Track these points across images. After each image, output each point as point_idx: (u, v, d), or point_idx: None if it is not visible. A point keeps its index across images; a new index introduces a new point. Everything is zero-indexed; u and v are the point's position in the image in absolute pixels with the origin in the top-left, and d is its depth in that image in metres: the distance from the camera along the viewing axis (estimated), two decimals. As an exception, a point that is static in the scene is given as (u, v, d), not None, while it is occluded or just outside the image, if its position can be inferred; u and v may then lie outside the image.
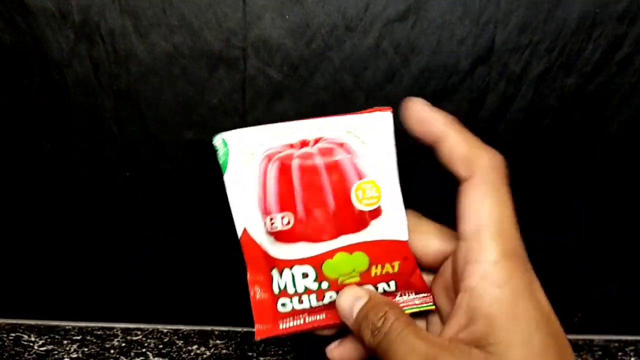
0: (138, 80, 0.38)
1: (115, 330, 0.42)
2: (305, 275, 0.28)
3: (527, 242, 0.41)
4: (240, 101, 0.38)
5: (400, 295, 0.30)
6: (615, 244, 0.41)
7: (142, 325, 0.43)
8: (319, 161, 0.28)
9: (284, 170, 0.28)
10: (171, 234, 0.41)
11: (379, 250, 0.28)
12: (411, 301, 0.30)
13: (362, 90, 0.37)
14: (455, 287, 0.26)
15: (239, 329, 0.43)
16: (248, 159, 0.29)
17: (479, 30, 0.36)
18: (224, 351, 0.40)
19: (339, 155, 0.28)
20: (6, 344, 0.40)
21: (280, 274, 0.29)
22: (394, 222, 0.28)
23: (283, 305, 0.29)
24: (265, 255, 0.29)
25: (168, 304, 0.43)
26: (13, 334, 0.41)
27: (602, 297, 0.42)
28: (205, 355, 0.40)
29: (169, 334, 0.42)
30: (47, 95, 0.38)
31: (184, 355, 0.40)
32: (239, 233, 0.30)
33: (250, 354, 0.40)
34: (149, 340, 0.41)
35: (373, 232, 0.28)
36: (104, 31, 0.37)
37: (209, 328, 0.43)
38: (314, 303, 0.29)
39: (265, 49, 0.37)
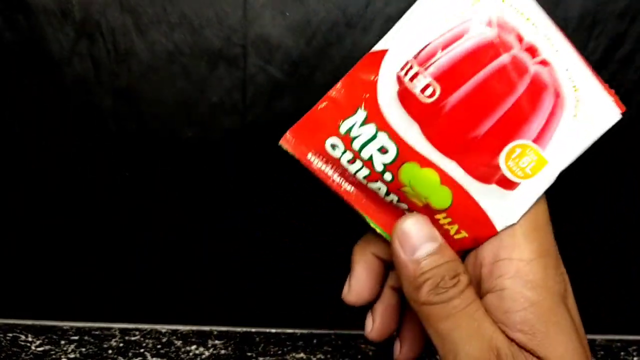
0: (138, 79, 0.38)
1: (113, 330, 0.42)
2: (382, 150, 0.22)
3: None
4: (241, 99, 0.38)
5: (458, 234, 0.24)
6: (617, 243, 0.41)
7: (140, 326, 0.43)
8: (527, 79, 0.21)
9: (485, 52, 0.21)
10: (170, 234, 0.41)
11: (468, 212, 0.23)
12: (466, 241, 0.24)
13: (363, 88, 0.37)
14: (479, 288, 0.23)
15: (238, 329, 0.43)
16: (457, 10, 0.21)
17: (479, 28, 0.36)
18: (223, 351, 0.40)
19: (542, 102, 0.21)
20: (3, 344, 0.40)
21: (363, 124, 0.22)
22: (511, 209, 0.22)
23: (332, 146, 0.23)
24: (372, 95, 0.23)
25: (166, 304, 0.43)
26: (10, 334, 0.41)
27: (604, 297, 0.42)
28: (204, 356, 0.39)
29: (167, 334, 0.42)
30: (47, 93, 0.38)
31: (182, 356, 0.39)
32: (377, 48, 0.23)
33: (249, 354, 0.40)
34: (147, 341, 0.41)
35: (486, 193, 0.22)
36: (105, 29, 0.37)
37: (207, 328, 0.43)
38: (360, 176, 0.23)
39: (266, 46, 0.37)
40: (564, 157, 0.23)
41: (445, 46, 0.21)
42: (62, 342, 0.40)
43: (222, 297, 0.42)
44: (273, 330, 0.43)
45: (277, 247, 0.41)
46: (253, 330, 0.43)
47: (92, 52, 0.37)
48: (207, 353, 0.40)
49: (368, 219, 0.24)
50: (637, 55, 0.36)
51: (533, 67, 0.21)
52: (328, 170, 0.24)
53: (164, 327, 0.43)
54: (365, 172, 0.23)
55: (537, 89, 0.21)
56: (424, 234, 0.22)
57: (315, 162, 0.24)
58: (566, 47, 0.23)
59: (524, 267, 0.22)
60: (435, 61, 0.21)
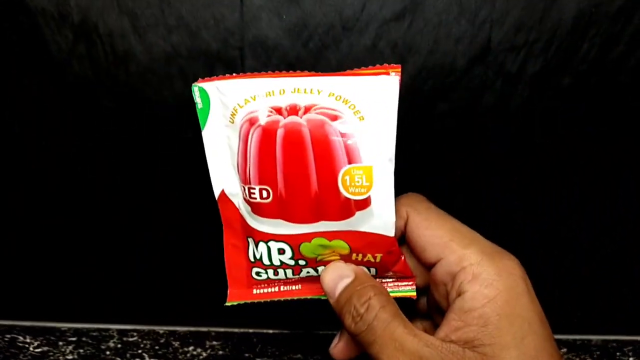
0: (136, 80, 0.38)
1: (111, 331, 0.42)
2: (281, 251, 0.26)
3: (524, 242, 0.41)
4: (238, 101, 0.38)
5: (382, 279, 0.28)
6: (614, 244, 0.41)
7: (138, 327, 0.43)
8: (307, 135, 0.24)
9: (267, 139, 0.24)
10: (168, 235, 0.41)
11: (362, 242, 0.26)
12: (393, 284, 0.28)
13: (359, 90, 0.38)
14: (449, 298, 0.25)
15: (236, 330, 0.43)
16: (229, 118, 0.25)
17: (475, 29, 0.36)
18: (220, 352, 0.40)
19: (329, 129, 0.24)
20: (1, 345, 0.40)
21: (256, 245, 0.27)
22: (382, 217, 0.25)
23: (257, 274, 0.28)
24: (243, 222, 0.27)
25: (164, 305, 0.43)
26: (8, 335, 0.41)
27: (600, 297, 0.42)
28: (201, 357, 0.39)
29: (165, 335, 0.42)
30: (47, 95, 0.38)
31: (180, 357, 0.39)
32: (217, 194, 0.28)
33: (246, 355, 0.40)
34: (145, 342, 0.41)
35: (358, 223, 0.25)
36: (103, 31, 0.37)
37: (205, 329, 0.43)
38: (290, 275, 0.27)
39: (263, 49, 0.37)
40: (381, 160, 0.24)
41: (243, 157, 0.25)
42: (60, 343, 0.40)
43: (220, 298, 0.42)
44: (270, 331, 0.43)
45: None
46: (250, 331, 0.43)
47: (90, 54, 0.37)
48: (204, 354, 0.40)
49: (322, 297, 0.28)
50: (632, 56, 0.37)
51: (304, 119, 0.24)
52: (274, 289, 0.28)
53: (161, 328, 0.43)
54: (289, 271, 0.27)
55: (318, 130, 0.24)
56: (336, 276, 0.26)
57: (262, 291, 0.28)
58: (320, 82, 0.24)
59: (477, 269, 0.24)
60: (249, 172, 0.25)
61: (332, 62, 0.37)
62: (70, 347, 0.40)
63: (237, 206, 0.27)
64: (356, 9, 0.36)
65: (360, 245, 0.26)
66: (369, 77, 0.25)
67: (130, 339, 0.41)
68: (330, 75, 0.25)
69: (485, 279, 0.23)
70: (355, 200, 0.25)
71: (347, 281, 0.25)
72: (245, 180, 0.26)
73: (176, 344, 0.41)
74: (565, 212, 0.40)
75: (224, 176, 0.27)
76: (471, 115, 0.38)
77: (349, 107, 0.24)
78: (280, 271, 0.27)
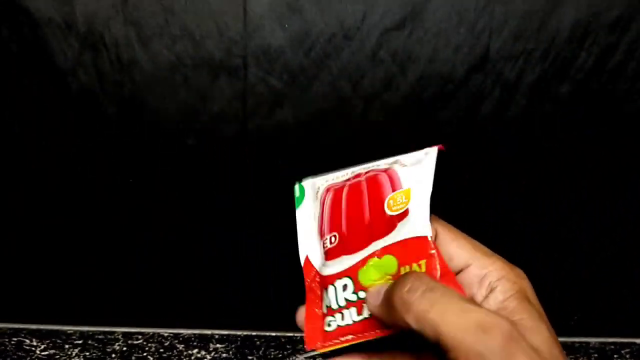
0: (141, 89, 0.38)
1: (116, 334, 0.43)
2: (344, 288, 0.29)
3: (523, 246, 0.41)
4: (241, 109, 0.39)
5: None
6: (612, 247, 0.41)
7: (142, 330, 0.43)
8: (364, 184, 0.30)
9: (336, 195, 0.31)
10: (173, 239, 0.42)
11: (405, 250, 0.28)
12: None
13: (360, 98, 0.38)
14: (478, 296, 0.28)
15: (239, 333, 0.44)
16: (315, 196, 0.32)
17: (474, 38, 0.37)
18: (224, 355, 0.41)
19: (380, 176, 0.30)
20: (8, 348, 0.40)
21: (327, 291, 0.30)
22: (416, 220, 0.29)
23: (329, 324, 0.29)
24: (320, 277, 0.31)
25: (169, 308, 0.43)
26: (15, 339, 0.42)
27: (598, 300, 0.43)
28: (205, 359, 0.40)
29: (169, 338, 0.43)
30: (53, 103, 0.39)
31: (184, 359, 0.40)
32: (302, 261, 0.31)
33: (250, 357, 0.40)
34: (149, 345, 0.42)
35: (399, 232, 0.29)
36: (108, 41, 0.37)
37: (209, 332, 0.44)
38: (355, 317, 0.29)
39: (266, 57, 0.38)
40: (420, 182, 0.30)
41: (321, 218, 0.31)
42: (67, 346, 0.41)
43: (224, 301, 0.43)
44: (273, 334, 0.44)
45: (277, 252, 0.41)
46: (254, 333, 0.44)
47: (96, 63, 0.38)
48: (208, 357, 0.40)
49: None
50: (629, 65, 0.37)
51: (363, 177, 0.31)
52: (344, 339, 0.29)
53: (166, 331, 0.43)
54: (353, 311, 0.29)
55: (372, 180, 0.30)
56: (379, 286, 0.27)
57: (334, 343, 0.29)
58: (382, 161, 0.32)
59: (501, 272, 0.27)
60: (324, 226, 0.30)
61: (334, 70, 0.38)
62: (76, 350, 0.41)
63: (317, 267, 0.31)
64: (357, 18, 0.37)
65: (405, 255, 0.28)
66: (421, 151, 0.31)
67: (135, 342, 0.42)
68: (393, 157, 0.32)
69: (510, 279, 0.27)
70: (396, 215, 0.29)
71: (387, 285, 0.27)
72: (321, 234, 0.31)
73: (180, 346, 0.42)
74: (563, 216, 0.41)
75: (308, 243, 0.31)
76: (470, 122, 0.38)
77: (399, 163, 0.31)
78: (346, 313, 0.29)
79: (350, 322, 0.29)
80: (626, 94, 0.38)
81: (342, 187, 0.31)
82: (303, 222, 0.32)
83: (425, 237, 0.28)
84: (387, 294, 0.26)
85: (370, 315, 0.30)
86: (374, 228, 0.29)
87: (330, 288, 0.30)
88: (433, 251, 0.28)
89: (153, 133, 0.39)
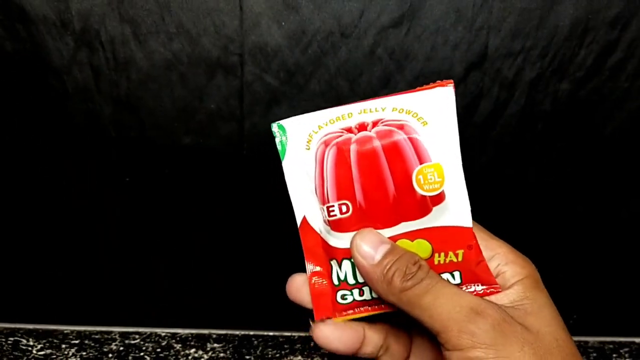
0: (137, 87, 0.38)
1: (113, 334, 0.43)
2: None
3: (522, 244, 0.41)
4: (238, 107, 0.38)
5: (466, 287, 0.28)
6: (610, 245, 0.41)
7: (140, 329, 0.43)
8: (377, 144, 0.26)
9: (342, 156, 0.26)
10: (169, 238, 0.42)
11: (442, 238, 0.27)
12: (477, 293, 0.28)
13: (358, 96, 0.38)
14: None
15: (237, 332, 0.43)
16: (305, 145, 0.28)
17: (472, 36, 0.37)
18: (222, 355, 0.41)
19: (398, 137, 0.26)
20: (5, 348, 0.40)
21: (340, 265, 0.27)
22: (457, 208, 0.27)
23: (343, 297, 0.28)
24: (325, 245, 0.28)
25: (166, 307, 0.43)
26: (12, 338, 0.42)
27: (597, 299, 0.43)
28: (203, 359, 0.40)
29: (166, 337, 0.43)
30: (48, 102, 0.39)
31: (181, 359, 0.40)
32: (299, 221, 0.29)
33: (247, 357, 0.40)
34: (147, 344, 0.42)
35: (435, 218, 0.26)
36: (104, 39, 0.37)
37: (206, 331, 0.44)
38: (375, 295, 0.27)
39: (262, 55, 0.37)
40: (450, 156, 0.27)
41: (320, 178, 0.27)
42: (63, 346, 0.41)
43: (221, 301, 0.43)
44: (271, 333, 0.43)
45: (275, 251, 0.41)
46: (251, 333, 0.44)
47: (91, 61, 0.38)
48: (206, 356, 0.40)
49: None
50: (629, 63, 0.37)
51: (373, 132, 0.27)
52: (358, 312, 0.28)
53: (163, 331, 0.43)
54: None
55: (387, 138, 0.26)
56: (375, 240, 0.26)
57: (347, 315, 0.29)
58: (383, 102, 0.27)
59: (509, 257, 0.28)
60: (327, 191, 0.27)
61: (331, 68, 0.37)
62: (73, 350, 0.40)
63: (319, 231, 0.28)
64: (354, 16, 0.36)
65: (441, 242, 0.27)
66: (426, 91, 0.27)
67: (132, 342, 0.42)
68: (389, 96, 0.27)
69: (518, 264, 0.27)
70: (430, 197, 0.26)
71: (387, 247, 0.26)
72: (323, 200, 0.27)
73: (178, 346, 0.41)
74: (561, 215, 0.41)
75: (305, 203, 0.28)
76: (468, 121, 0.38)
77: (412, 115, 0.26)
78: (366, 289, 0.28)
79: (369, 298, 0.28)
80: (627, 91, 0.37)
81: (346, 145, 0.26)
82: (293, 177, 0.28)
83: (467, 229, 0.27)
84: (389, 259, 0.25)
85: None
86: (402, 206, 0.26)
87: (346, 262, 0.27)
88: (473, 242, 0.27)
89: (149, 131, 0.39)
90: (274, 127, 0.29)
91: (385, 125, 0.27)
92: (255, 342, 0.42)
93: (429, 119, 0.26)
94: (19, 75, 0.38)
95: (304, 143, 0.28)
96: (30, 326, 0.43)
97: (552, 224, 0.41)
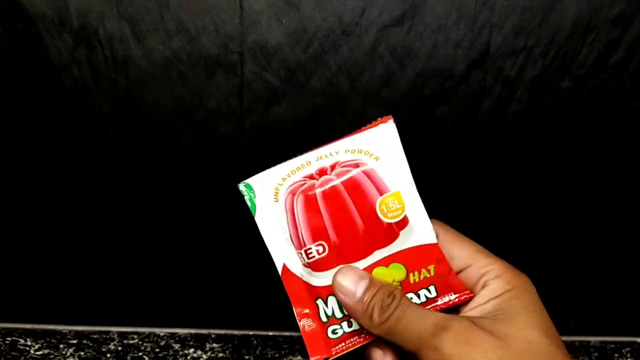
0: (136, 85, 0.38)
1: (111, 334, 0.42)
2: None
3: (522, 244, 0.41)
4: (238, 105, 0.38)
5: (442, 299, 0.30)
6: (612, 245, 0.41)
7: (138, 329, 0.43)
8: (339, 183, 0.29)
9: (309, 201, 0.29)
10: (168, 238, 0.41)
11: (413, 258, 0.29)
12: (452, 302, 0.30)
13: (359, 95, 0.38)
14: (474, 291, 0.30)
15: (236, 332, 0.43)
16: (273, 198, 0.30)
17: (474, 34, 0.36)
18: (221, 355, 0.40)
19: (355, 173, 0.29)
20: (2, 348, 0.40)
21: (326, 302, 0.30)
22: (421, 228, 0.29)
23: (334, 332, 0.30)
24: (308, 286, 0.30)
25: (165, 307, 0.43)
26: (9, 338, 0.41)
27: (598, 299, 0.42)
28: (202, 359, 0.40)
29: (165, 337, 0.42)
30: (46, 100, 0.38)
31: (180, 359, 0.40)
32: (279, 270, 0.31)
33: (247, 357, 0.40)
34: (145, 344, 0.41)
35: (404, 241, 0.29)
36: (103, 37, 0.37)
37: (205, 331, 0.43)
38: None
39: (262, 53, 0.37)
40: (404, 183, 0.30)
41: (294, 226, 0.29)
42: (61, 345, 0.41)
43: (220, 301, 0.43)
44: (270, 333, 0.43)
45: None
46: (251, 333, 0.43)
47: (90, 59, 0.37)
48: (205, 356, 0.40)
49: None
50: (631, 61, 0.37)
51: (333, 175, 0.29)
52: (350, 343, 0.30)
53: (162, 331, 0.43)
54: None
55: (346, 176, 0.29)
56: (354, 277, 0.28)
57: (340, 348, 0.30)
58: (335, 147, 0.30)
59: (499, 272, 0.29)
60: (302, 236, 0.29)
61: (332, 66, 0.37)
62: (71, 350, 0.40)
63: (300, 275, 0.30)
64: (356, 14, 0.36)
65: (413, 262, 0.29)
66: (370, 129, 0.30)
67: (131, 342, 0.42)
68: (340, 139, 0.30)
69: (505, 279, 0.28)
70: (395, 223, 0.29)
71: (365, 282, 0.28)
72: (300, 245, 0.29)
73: (176, 346, 0.41)
74: (563, 214, 0.40)
75: (282, 252, 0.30)
76: (470, 119, 0.38)
77: (364, 153, 0.30)
78: (354, 321, 0.30)
79: (358, 328, 0.30)
80: (629, 89, 0.37)
81: (310, 190, 0.29)
82: (267, 229, 0.31)
83: (433, 245, 0.29)
84: (369, 295, 0.28)
85: None
86: (372, 237, 0.29)
87: (331, 298, 0.30)
88: (440, 256, 0.30)
89: (148, 130, 0.39)
90: (241, 186, 0.31)
91: (342, 166, 0.29)
92: (255, 342, 0.42)
93: (379, 154, 0.29)
94: (17, 73, 0.38)
95: (271, 196, 0.30)
96: (28, 326, 0.43)
97: (554, 223, 0.41)
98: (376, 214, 0.29)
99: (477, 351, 0.24)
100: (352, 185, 0.29)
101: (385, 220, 0.29)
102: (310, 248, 0.29)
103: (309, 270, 0.30)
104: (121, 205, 0.41)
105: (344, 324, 0.30)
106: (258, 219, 0.31)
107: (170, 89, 0.38)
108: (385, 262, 0.29)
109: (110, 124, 0.39)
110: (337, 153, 0.30)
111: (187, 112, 0.38)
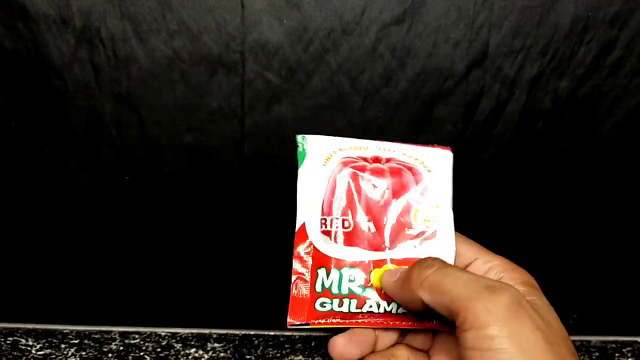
0: (138, 85, 0.38)
1: (113, 333, 0.42)
2: (352, 278, 0.30)
3: (522, 243, 0.41)
4: (239, 105, 0.38)
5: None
6: (611, 244, 0.41)
7: (140, 329, 0.43)
8: (388, 177, 0.30)
9: (356, 178, 0.30)
10: (169, 237, 0.41)
11: None
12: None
13: (359, 94, 0.38)
14: None
15: (237, 332, 0.43)
16: (323, 161, 0.31)
17: (473, 34, 0.37)
18: (222, 354, 0.40)
19: (406, 176, 0.31)
20: (4, 348, 0.40)
21: (328, 274, 0.30)
22: (444, 246, 0.30)
23: (322, 305, 0.30)
24: (316, 253, 0.30)
25: (166, 307, 0.43)
26: (11, 338, 0.41)
27: (599, 298, 0.43)
28: (203, 359, 0.40)
29: (166, 337, 0.42)
30: (48, 99, 0.38)
31: (181, 359, 0.40)
32: (297, 226, 0.31)
33: (248, 357, 0.40)
34: (146, 344, 0.41)
35: (424, 251, 0.30)
36: (105, 36, 0.37)
37: (206, 331, 0.43)
38: (353, 309, 0.30)
39: (264, 53, 0.37)
40: (443, 201, 0.31)
41: (331, 193, 0.30)
42: (63, 345, 0.41)
43: (221, 300, 0.43)
44: (271, 333, 0.43)
45: (275, 250, 0.41)
46: (252, 332, 0.43)
47: (92, 59, 0.38)
48: (206, 356, 0.40)
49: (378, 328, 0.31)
50: (628, 60, 0.37)
51: (385, 166, 0.31)
52: (332, 320, 0.30)
53: (163, 331, 0.43)
54: (354, 302, 0.30)
55: (397, 176, 0.31)
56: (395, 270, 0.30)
57: (320, 322, 0.30)
58: (394, 146, 0.32)
59: (505, 266, 0.29)
60: (335, 205, 0.30)
61: (333, 65, 0.37)
62: (73, 350, 0.40)
63: (312, 239, 0.31)
64: (356, 13, 0.37)
65: None
66: (431, 148, 0.32)
67: (132, 341, 0.41)
68: (399, 143, 0.32)
69: (515, 272, 0.29)
70: (423, 232, 0.30)
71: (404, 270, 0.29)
72: (329, 212, 0.30)
73: (178, 346, 0.41)
74: (563, 214, 0.41)
75: (308, 211, 0.31)
76: (470, 119, 0.38)
77: (419, 162, 0.31)
78: (346, 302, 0.30)
79: (346, 311, 0.30)
80: (625, 88, 0.37)
81: (362, 169, 0.30)
82: (304, 184, 0.31)
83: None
84: (406, 271, 0.28)
85: (369, 311, 0.30)
86: (397, 234, 0.30)
87: (335, 272, 0.30)
88: None
89: (150, 129, 0.39)
90: (299, 137, 0.31)
91: (397, 163, 0.31)
92: (256, 341, 0.42)
93: (432, 168, 0.31)
94: (19, 72, 0.38)
95: (322, 159, 0.31)
96: (30, 326, 0.43)
97: (554, 222, 0.41)
98: (409, 217, 0.30)
99: (528, 326, 0.23)
100: (398, 182, 0.30)
101: (416, 226, 0.30)
102: (338, 219, 0.30)
103: (326, 238, 0.30)
104: (122, 205, 0.41)
105: (336, 301, 0.30)
106: (301, 171, 0.31)
107: (171, 88, 0.38)
108: (399, 262, 0.30)
109: (111, 123, 0.39)
110: (394, 151, 0.31)
111: (189, 111, 0.38)
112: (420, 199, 0.30)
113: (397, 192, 0.30)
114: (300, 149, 0.31)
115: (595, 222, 0.41)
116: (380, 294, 0.30)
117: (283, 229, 0.41)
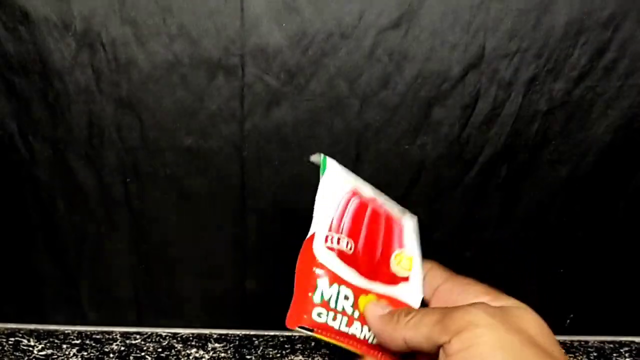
0: (138, 88, 0.38)
1: (114, 334, 0.43)
2: (346, 298, 0.31)
3: (519, 244, 0.42)
4: (239, 108, 0.39)
5: None
6: (608, 244, 0.42)
7: (141, 329, 0.43)
8: (383, 214, 0.34)
9: (362, 206, 0.33)
10: (170, 238, 0.42)
11: (398, 305, 0.33)
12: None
13: (357, 97, 0.38)
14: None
15: (238, 332, 0.44)
16: (341, 183, 0.33)
17: (469, 37, 0.37)
18: (223, 355, 0.41)
19: (395, 222, 0.35)
20: (6, 348, 0.40)
21: (330, 286, 0.31)
22: (414, 292, 0.34)
23: (319, 315, 0.31)
24: (317, 263, 0.31)
25: (167, 307, 0.43)
26: (12, 339, 0.42)
27: (597, 298, 0.43)
28: (204, 359, 0.40)
29: (167, 337, 0.43)
30: (49, 103, 0.39)
31: (182, 359, 0.40)
32: (309, 234, 0.32)
33: (248, 357, 0.40)
34: (147, 344, 0.42)
35: (399, 291, 0.33)
36: (105, 40, 0.38)
37: (207, 331, 0.44)
38: (343, 327, 0.31)
39: (263, 56, 0.38)
40: (417, 254, 0.35)
41: (342, 213, 0.33)
42: (64, 346, 0.41)
43: (222, 301, 0.43)
44: (272, 333, 0.44)
45: (275, 250, 0.41)
46: (252, 333, 0.44)
47: (93, 62, 0.38)
48: (207, 356, 0.40)
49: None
50: (621, 63, 0.38)
51: (383, 207, 0.35)
52: (325, 333, 0.31)
53: (164, 331, 0.43)
54: (344, 320, 0.32)
55: (388, 221, 0.35)
56: (383, 304, 0.32)
57: (315, 331, 0.31)
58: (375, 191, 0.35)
59: (501, 300, 0.30)
60: (343, 225, 0.32)
61: (331, 69, 0.38)
62: (74, 350, 0.40)
63: (315, 251, 0.32)
64: (354, 17, 0.37)
65: (397, 306, 0.33)
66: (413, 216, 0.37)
67: (134, 342, 0.42)
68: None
69: (475, 287, 0.31)
70: (400, 275, 0.34)
71: (389, 308, 0.32)
72: (337, 229, 0.32)
73: (179, 346, 0.42)
74: (560, 214, 0.41)
75: (320, 222, 0.32)
76: (466, 121, 0.39)
77: (406, 216, 0.36)
78: (339, 317, 0.31)
79: (337, 328, 0.31)
80: (619, 90, 0.38)
81: (367, 201, 0.33)
82: (323, 197, 0.32)
83: (414, 308, 0.34)
84: (389, 314, 0.30)
85: (353, 333, 0.31)
86: (380, 270, 0.33)
87: (334, 287, 0.31)
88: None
89: (150, 132, 0.39)
90: (321, 157, 0.33)
91: (389, 208, 0.35)
92: (256, 342, 0.43)
93: (411, 225, 0.36)
94: (20, 76, 0.38)
95: (340, 180, 0.33)
96: (31, 326, 0.43)
97: (552, 223, 0.41)
98: (390, 258, 0.34)
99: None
100: (389, 225, 0.34)
101: (394, 267, 0.34)
102: (344, 238, 0.32)
103: (331, 253, 0.32)
104: (122, 207, 0.41)
105: (331, 314, 0.31)
106: (323, 181, 0.32)
107: (172, 92, 0.38)
108: (379, 295, 0.32)
109: (112, 126, 0.39)
110: (388, 202, 0.35)
111: (189, 114, 0.39)
112: (399, 243, 0.35)
113: (386, 238, 0.34)
114: (322, 161, 0.33)
115: (593, 223, 0.41)
116: (362, 319, 0.32)
117: (283, 229, 0.41)
